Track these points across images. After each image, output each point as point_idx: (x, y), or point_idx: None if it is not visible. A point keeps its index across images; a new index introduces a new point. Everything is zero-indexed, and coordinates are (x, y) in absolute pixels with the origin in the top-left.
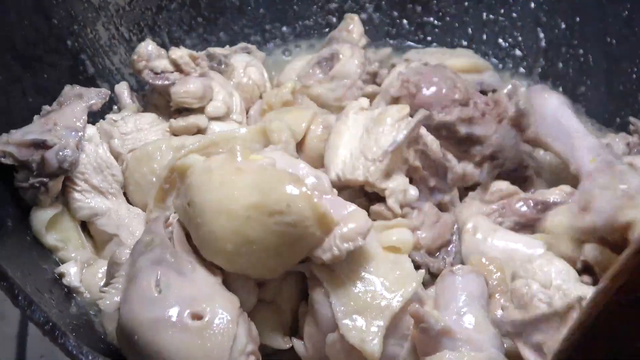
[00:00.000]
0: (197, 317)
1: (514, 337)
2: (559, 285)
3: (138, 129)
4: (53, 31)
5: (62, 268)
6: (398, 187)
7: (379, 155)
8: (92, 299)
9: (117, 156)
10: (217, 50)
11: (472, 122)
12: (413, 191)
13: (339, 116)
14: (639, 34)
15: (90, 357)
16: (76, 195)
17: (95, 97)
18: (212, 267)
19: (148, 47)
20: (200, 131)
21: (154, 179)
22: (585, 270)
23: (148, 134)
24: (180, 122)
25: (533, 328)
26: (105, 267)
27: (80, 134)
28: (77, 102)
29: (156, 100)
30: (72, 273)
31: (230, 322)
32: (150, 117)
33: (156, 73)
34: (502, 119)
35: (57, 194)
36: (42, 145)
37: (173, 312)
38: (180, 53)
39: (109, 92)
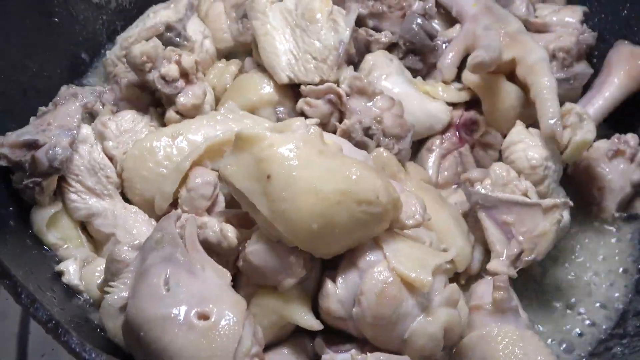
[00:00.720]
0: (203, 317)
1: (480, 207)
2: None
3: (122, 131)
4: (54, 31)
5: (61, 266)
6: (351, 74)
7: (325, 54)
8: (91, 297)
9: (110, 158)
10: (172, 16)
11: (381, 17)
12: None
13: (254, 14)
14: (639, 33)
15: (93, 355)
16: (72, 196)
17: (90, 95)
18: (221, 268)
19: (158, 48)
20: None
21: (164, 170)
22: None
23: (135, 134)
24: (176, 116)
25: (506, 208)
26: (103, 266)
27: (74, 132)
28: (72, 101)
29: (131, 94)
30: (71, 271)
31: (236, 324)
32: (129, 115)
33: (167, 81)
34: (405, 13)
35: (54, 193)
36: (33, 145)
37: (180, 311)
38: (189, 61)
39: (104, 89)
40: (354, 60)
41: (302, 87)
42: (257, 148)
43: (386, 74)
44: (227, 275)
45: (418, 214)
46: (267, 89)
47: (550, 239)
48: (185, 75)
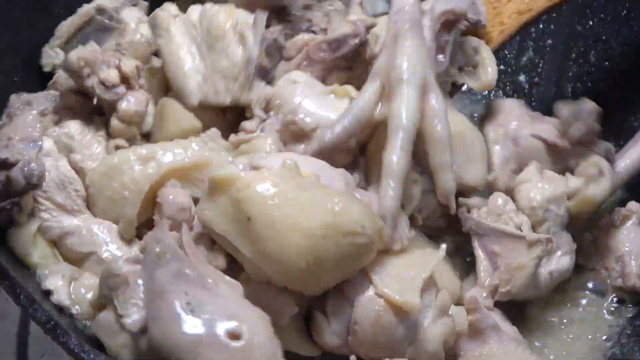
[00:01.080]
0: (234, 336)
1: (473, 234)
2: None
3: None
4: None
5: (48, 285)
6: (260, 96)
7: (235, 72)
8: (84, 313)
9: (79, 171)
10: (107, 4)
11: None
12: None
13: (157, 32)
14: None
15: (92, 355)
16: (44, 215)
17: (45, 101)
18: (231, 280)
19: (97, 52)
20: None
21: (127, 193)
22: None
23: (86, 147)
24: (120, 124)
25: (496, 238)
26: (91, 281)
27: (39, 143)
28: (27, 110)
29: (73, 101)
30: (60, 290)
31: (269, 340)
32: (75, 125)
33: (107, 86)
34: None
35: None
36: (3, 164)
37: (211, 332)
38: (131, 65)
39: (57, 93)
40: (269, 71)
41: (230, 140)
42: (233, 190)
43: (301, 97)
44: (239, 286)
45: (404, 236)
46: (189, 115)
47: (527, 273)
48: (126, 80)
